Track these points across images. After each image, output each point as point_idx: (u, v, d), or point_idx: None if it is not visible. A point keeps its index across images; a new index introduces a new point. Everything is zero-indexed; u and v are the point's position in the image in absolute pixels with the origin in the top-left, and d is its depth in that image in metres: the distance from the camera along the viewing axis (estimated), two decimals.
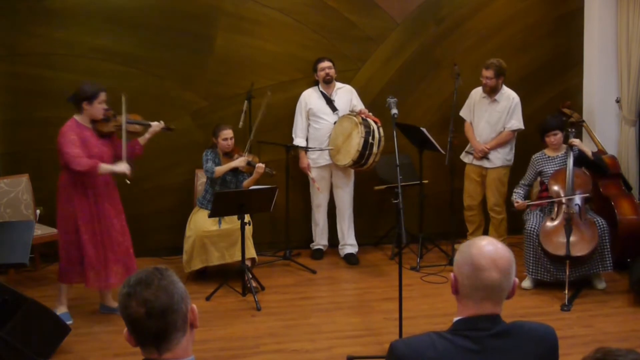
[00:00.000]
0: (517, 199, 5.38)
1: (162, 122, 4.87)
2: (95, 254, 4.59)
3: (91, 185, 4.57)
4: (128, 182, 4.64)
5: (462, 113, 6.05)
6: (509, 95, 5.81)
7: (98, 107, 4.54)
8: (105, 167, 4.52)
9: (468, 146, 6.02)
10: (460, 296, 1.93)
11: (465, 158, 6.04)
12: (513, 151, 5.91)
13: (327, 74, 5.85)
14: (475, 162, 5.93)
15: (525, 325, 1.95)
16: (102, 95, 4.55)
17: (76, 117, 4.57)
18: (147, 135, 4.84)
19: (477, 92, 5.94)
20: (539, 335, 1.93)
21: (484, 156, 5.85)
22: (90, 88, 4.53)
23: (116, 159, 4.66)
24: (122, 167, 4.57)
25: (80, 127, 4.54)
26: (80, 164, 4.41)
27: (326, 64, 5.86)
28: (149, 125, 4.83)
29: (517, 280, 1.94)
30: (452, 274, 1.95)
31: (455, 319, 1.93)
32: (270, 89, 6.08)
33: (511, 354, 1.87)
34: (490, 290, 1.87)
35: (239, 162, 5.43)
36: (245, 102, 5.87)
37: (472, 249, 1.90)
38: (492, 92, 5.79)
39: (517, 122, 5.81)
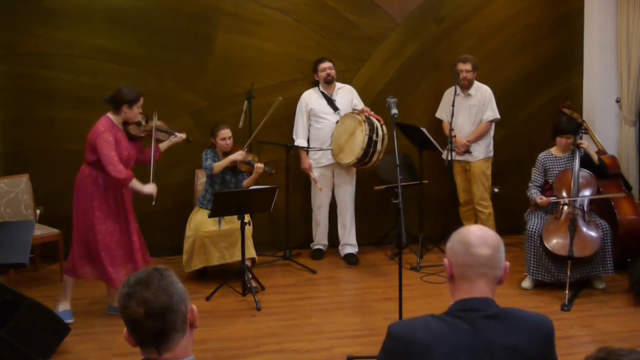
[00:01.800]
0: (541, 196, 5.28)
1: (184, 135, 5.01)
2: (110, 251, 4.62)
3: (112, 184, 4.62)
4: (153, 203, 4.71)
5: (439, 114, 6.14)
6: (482, 88, 5.94)
7: (136, 112, 4.65)
8: (135, 184, 4.63)
9: (448, 145, 6.00)
10: (455, 279, 1.98)
11: (448, 155, 6.00)
12: (492, 143, 6.01)
13: (329, 74, 5.86)
14: (459, 158, 6.00)
15: (519, 312, 1.98)
16: (141, 100, 4.66)
17: (110, 115, 4.63)
18: (167, 143, 4.95)
19: (450, 92, 5.98)
20: (534, 322, 1.95)
21: (466, 150, 5.93)
22: (132, 92, 4.62)
23: (137, 163, 4.78)
24: (150, 188, 4.69)
25: (115, 128, 4.60)
26: (117, 170, 4.49)
27: (327, 64, 5.86)
28: (173, 135, 4.96)
29: (508, 264, 1.99)
30: (445, 260, 2.01)
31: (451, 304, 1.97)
32: (271, 89, 6.09)
33: (504, 336, 1.88)
34: (483, 265, 1.94)
35: (237, 155, 5.43)
36: (245, 102, 5.87)
37: (462, 231, 2.00)
38: (468, 85, 5.90)
39: (492, 113, 5.93)
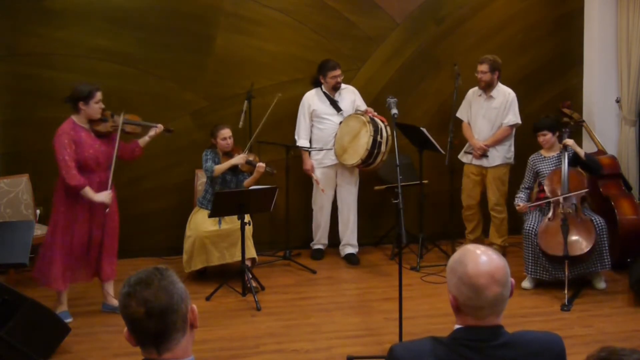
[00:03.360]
0: (519, 202, 5.40)
1: (161, 126, 4.94)
2: (75, 255, 4.60)
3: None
4: (106, 211, 4.63)
5: (459, 114, 6.00)
6: (505, 91, 5.80)
7: (95, 107, 4.57)
8: (87, 192, 4.51)
9: (466, 146, 6.00)
10: (462, 313, 1.89)
11: (463, 158, 6.02)
12: (512, 149, 5.89)
13: (338, 82, 5.84)
14: (475, 162, 5.90)
15: (528, 335, 1.92)
16: (98, 95, 4.57)
17: (73, 117, 4.60)
18: (146, 138, 4.90)
19: (472, 92, 5.94)
20: (542, 346, 1.90)
21: (484, 154, 5.83)
22: (86, 88, 4.56)
23: (120, 159, 4.73)
24: (102, 197, 4.57)
25: (77, 128, 4.56)
26: (70, 176, 4.45)
27: (338, 72, 5.80)
28: (148, 127, 4.89)
29: (513, 280, 1.91)
30: (450, 295, 1.89)
31: (456, 326, 1.91)
32: (271, 89, 6.08)
33: None
34: (494, 305, 1.85)
35: (239, 159, 5.43)
36: (245, 102, 5.87)
37: (468, 268, 1.85)
38: (487, 87, 5.77)
39: (513, 117, 5.79)
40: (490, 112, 5.82)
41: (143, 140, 4.89)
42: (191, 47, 6.05)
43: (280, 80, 6.18)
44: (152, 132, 4.90)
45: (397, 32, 6.36)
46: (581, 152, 5.33)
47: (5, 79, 5.83)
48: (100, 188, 4.63)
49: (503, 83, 5.90)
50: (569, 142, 5.30)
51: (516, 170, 5.90)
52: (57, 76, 5.84)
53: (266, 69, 6.17)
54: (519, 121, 5.81)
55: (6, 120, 5.87)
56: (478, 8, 6.45)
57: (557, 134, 5.39)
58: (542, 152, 5.47)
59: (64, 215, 4.59)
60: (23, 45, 5.81)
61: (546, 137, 5.35)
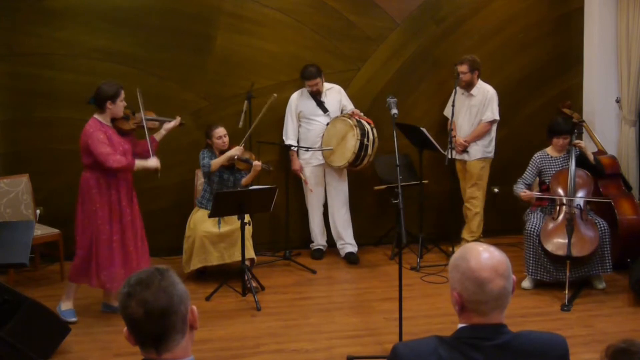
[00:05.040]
0: (521, 190, 5.35)
1: (178, 118, 5.03)
2: (111, 254, 4.63)
3: (114, 186, 4.64)
4: (159, 176, 4.81)
5: (446, 112, 6.12)
6: (484, 89, 5.90)
7: (120, 105, 4.64)
8: (140, 163, 4.68)
9: (449, 144, 6.03)
10: (467, 311, 1.89)
11: (448, 154, 6.03)
12: (493, 143, 5.96)
13: (317, 90, 5.83)
14: (457, 157, 5.99)
15: (531, 335, 1.92)
16: (123, 93, 4.65)
17: (97, 116, 4.63)
18: (162, 132, 4.97)
19: (457, 90, 5.99)
20: (545, 346, 1.90)
21: (464, 150, 5.93)
22: (112, 87, 4.61)
23: (135, 156, 4.76)
24: (154, 162, 4.75)
25: (104, 127, 4.61)
26: (117, 160, 4.51)
27: (312, 82, 5.78)
28: (166, 121, 4.97)
29: (514, 277, 1.91)
30: (454, 293, 1.89)
31: (460, 325, 1.91)
32: (271, 89, 6.08)
33: None
34: (498, 299, 1.86)
35: (235, 150, 5.42)
36: (245, 102, 5.87)
37: (471, 263, 1.86)
38: (468, 86, 5.89)
39: (490, 114, 5.87)
40: (471, 110, 5.93)
41: (159, 135, 4.95)
42: (191, 47, 6.05)
43: (280, 80, 6.17)
44: (168, 125, 4.96)
45: (397, 32, 6.36)
46: (591, 155, 5.34)
47: (5, 79, 5.83)
48: (127, 189, 4.72)
49: (503, 83, 5.92)
50: (581, 143, 5.32)
51: (511, 168, 5.90)
52: (57, 76, 5.84)
53: (266, 69, 6.17)
54: (496, 117, 5.89)
55: (6, 120, 5.87)
56: (478, 8, 6.44)
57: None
58: (549, 152, 5.45)
59: (95, 212, 4.61)
60: (23, 45, 5.81)
61: (566, 140, 5.33)
